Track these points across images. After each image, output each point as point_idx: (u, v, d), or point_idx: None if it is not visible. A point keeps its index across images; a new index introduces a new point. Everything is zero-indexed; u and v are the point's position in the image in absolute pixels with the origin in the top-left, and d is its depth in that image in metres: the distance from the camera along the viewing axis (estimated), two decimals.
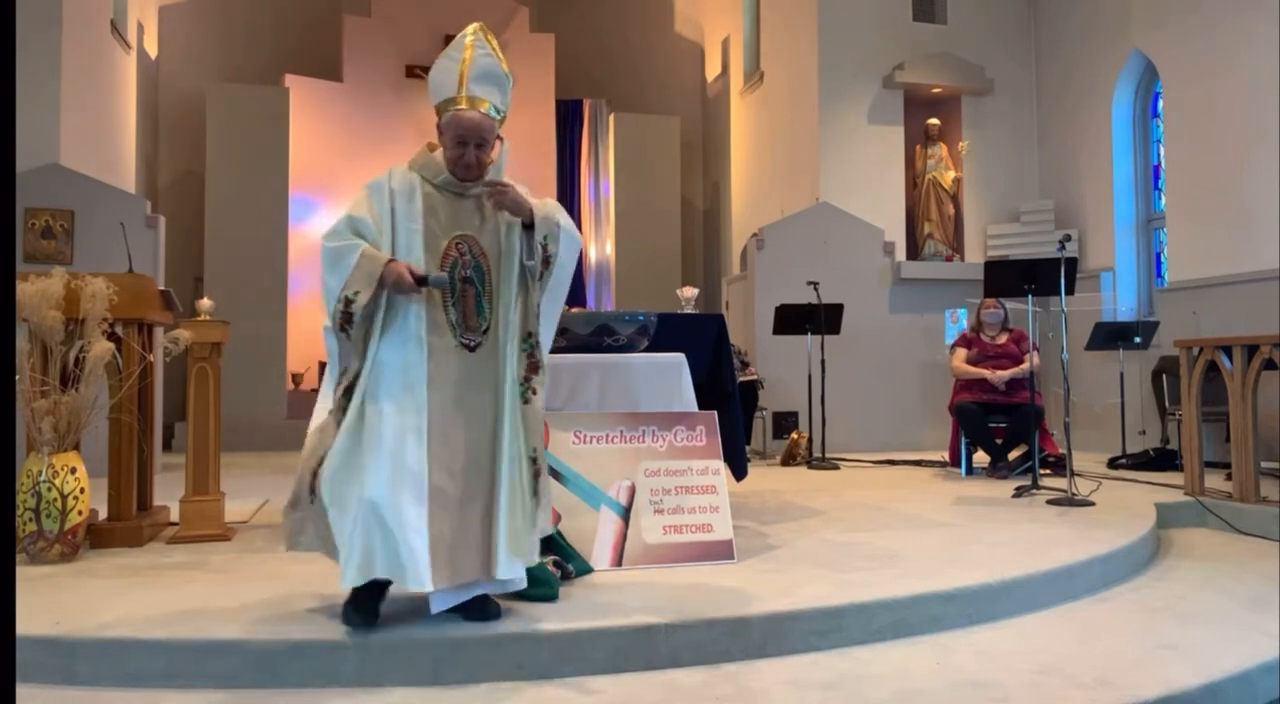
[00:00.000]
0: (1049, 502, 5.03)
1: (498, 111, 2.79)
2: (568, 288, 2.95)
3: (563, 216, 2.89)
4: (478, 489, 2.71)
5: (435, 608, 2.65)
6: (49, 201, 6.73)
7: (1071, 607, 3.40)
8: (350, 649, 2.63)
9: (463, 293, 2.75)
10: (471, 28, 2.81)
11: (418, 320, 2.69)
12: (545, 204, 2.88)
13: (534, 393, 2.80)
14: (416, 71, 11.60)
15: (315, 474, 2.69)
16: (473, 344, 2.75)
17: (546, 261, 2.82)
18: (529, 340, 2.83)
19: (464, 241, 2.77)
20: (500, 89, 2.80)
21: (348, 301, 2.63)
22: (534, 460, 2.78)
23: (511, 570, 2.71)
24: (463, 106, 2.73)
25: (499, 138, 2.83)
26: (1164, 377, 7.01)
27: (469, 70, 2.74)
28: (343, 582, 2.62)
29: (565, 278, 2.90)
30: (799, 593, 3.10)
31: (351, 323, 2.65)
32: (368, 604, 2.69)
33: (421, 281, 2.65)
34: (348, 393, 2.67)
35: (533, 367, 2.82)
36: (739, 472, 4.49)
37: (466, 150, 2.74)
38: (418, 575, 2.53)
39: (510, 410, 2.78)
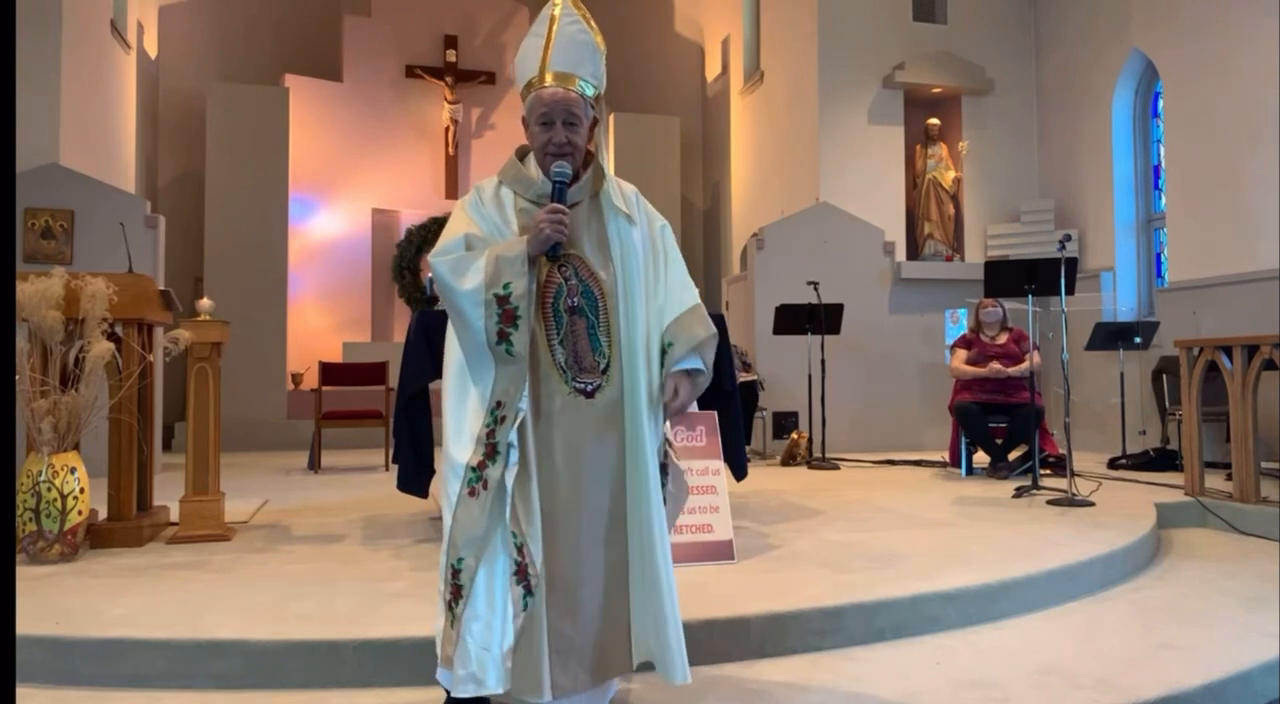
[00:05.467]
0: (1049, 502, 5.03)
1: (591, 87, 2.30)
2: None
3: (689, 294, 2.36)
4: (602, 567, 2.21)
5: None
6: (49, 201, 6.73)
7: (1071, 607, 3.40)
8: (350, 649, 2.63)
9: (571, 327, 2.20)
10: None
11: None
12: (679, 321, 2.31)
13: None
14: (416, 71, 11.61)
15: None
16: (590, 388, 2.19)
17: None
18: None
19: (568, 264, 2.21)
20: (591, 59, 2.30)
21: (500, 299, 2.10)
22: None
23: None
24: (544, 84, 2.24)
25: (594, 118, 2.34)
26: (1164, 376, 7.01)
27: (553, 43, 2.26)
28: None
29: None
30: (799, 593, 3.10)
31: (517, 322, 2.11)
32: None
33: (558, 197, 2.18)
34: (493, 440, 2.13)
35: (662, 468, 2.32)
36: (739, 472, 4.48)
37: (554, 130, 2.22)
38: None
39: (644, 478, 2.23)
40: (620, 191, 2.37)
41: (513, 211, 2.26)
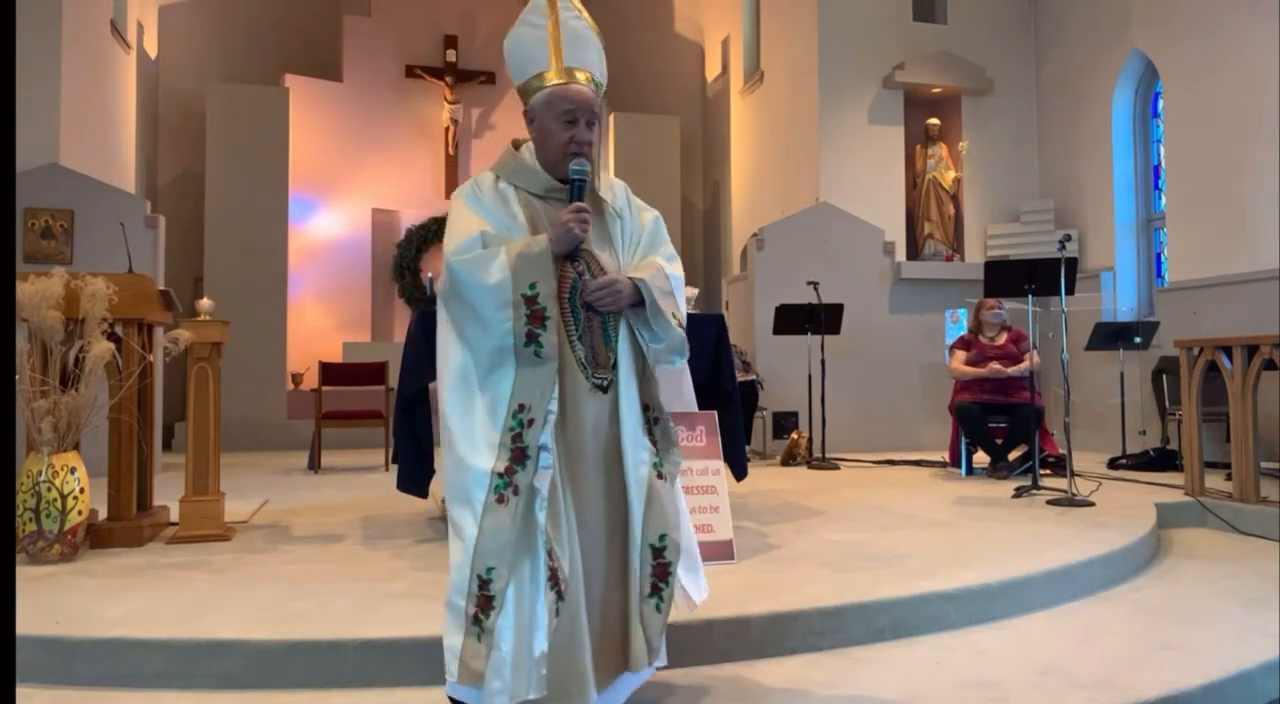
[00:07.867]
0: (1049, 502, 5.03)
1: (599, 84, 2.30)
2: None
3: (673, 266, 2.34)
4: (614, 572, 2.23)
5: None
6: (49, 201, 6.72)
7: (1071, 607, 3.40)
8: (350, 649, 2.63)
9: (587, 323, 2.18)
10: None
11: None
12: (649, 262, 2.32)
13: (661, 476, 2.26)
14: (416, 71, 11.61)
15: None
16: (605, 383, 2.21)
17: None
18: (648, 413, 2.29)
19: (580, 259, 2.19)
20: (598, 54, 2.31)
21: (529, 299, 2.07)
22: (658, 551, 2.22)
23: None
24: (564, 80, 2.21)
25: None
26: (1164, 376, 7.01)
27: (562, 37, 2.23)
28: None
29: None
30: (799, 593, 3.10)
31: (546, 322, 2.08)
32: None
33: (579, 195, 2.18)
34: (519, 445, 2.06)
35: (667, 441, 2.31)
36: (739, 472, 4.48)
37: (578, 128, 2.20)
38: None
39: (639, 478, 2.23)
40: (609, 187, 2.37)
41: (517, 206, 2.22)
